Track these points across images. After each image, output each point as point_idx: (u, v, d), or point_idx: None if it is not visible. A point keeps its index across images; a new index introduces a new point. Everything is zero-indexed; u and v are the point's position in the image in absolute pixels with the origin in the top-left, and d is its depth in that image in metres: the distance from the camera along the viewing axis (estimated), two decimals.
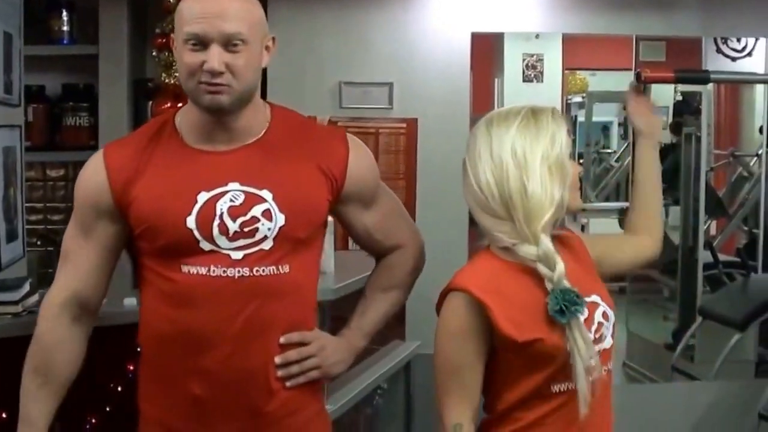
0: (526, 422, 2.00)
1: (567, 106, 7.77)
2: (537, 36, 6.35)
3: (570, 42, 6.67)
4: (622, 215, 6.69)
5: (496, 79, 6.87)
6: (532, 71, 6.91)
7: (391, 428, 4.23)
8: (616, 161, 7.64)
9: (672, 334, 5.80)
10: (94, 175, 2.07)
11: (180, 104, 4.24)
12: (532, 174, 1.96)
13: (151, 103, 4.31)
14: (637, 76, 2.43)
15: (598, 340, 2.02)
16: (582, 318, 1.94)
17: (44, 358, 2.07)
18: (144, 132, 2.12)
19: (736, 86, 6.15)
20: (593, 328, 2.02)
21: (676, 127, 6.11)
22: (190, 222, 1.99)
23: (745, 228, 6.36)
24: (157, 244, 2.03)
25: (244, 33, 1.97)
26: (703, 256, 5.61)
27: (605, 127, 8.20)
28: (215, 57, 1.94)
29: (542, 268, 1.94)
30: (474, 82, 7.62)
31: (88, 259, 2.09)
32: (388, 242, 2.31)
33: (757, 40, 5.19)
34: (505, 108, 2.08)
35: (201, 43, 1.95)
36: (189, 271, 2.01)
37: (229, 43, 1.95)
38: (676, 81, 2.61)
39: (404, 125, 4.45)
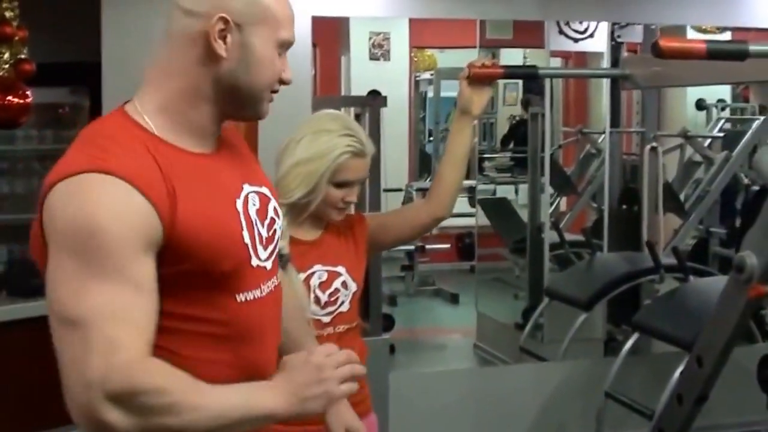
0: None
1: (416, 83, 7.78)
2: None
3: (417, 21, 6.64)
4: (472, 193, 6.73)
5: (342, 58, 6.80)
6: (379, 50, 6.89)
7: None
8: None
9: (522, 314, 5.83)
10: (129, 202, 1.51)
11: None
12: (287, 163, 2.40)
13: None
14: (467, 71, 2.56)
15: (332, 303, 2.48)
16: (296, 278, 2.37)
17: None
18: (129, 140, 1.61)
19: (584, 64, 6.20)
20: (329, 291, 2.48)
21: (525, 104, 6.14)
22: (246, 237, 1.67)
23: (594, 205, 6.45)
24: (217, 273, 1.62)
25: None
26: (552, 235, 5.64)
27: (456, 104, 8.23)
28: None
29: None
30: (320, 61, 7.55)
31: (147, 314, 1.51)
32: None
33: (598, 22, 5.23)
34: (338, 116, 2.58)
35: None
36: (245, 299, 1.67)
37: None
38: (505, 77, 2.67)
39: None
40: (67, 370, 1.42)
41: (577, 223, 6.53)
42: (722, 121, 6.64)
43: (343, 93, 6.84)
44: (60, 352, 1.43)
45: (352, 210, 2.59)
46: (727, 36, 5.84)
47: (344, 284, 2.52)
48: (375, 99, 5.47)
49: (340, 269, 2.52)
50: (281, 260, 2.22)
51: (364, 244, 2.60)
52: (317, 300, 2.46)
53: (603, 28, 5.25)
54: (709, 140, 6.39)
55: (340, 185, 2.42)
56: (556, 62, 6.21)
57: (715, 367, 2.85)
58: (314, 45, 7.65)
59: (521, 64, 6.27)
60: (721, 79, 2.85)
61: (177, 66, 1.64)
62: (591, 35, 5.22)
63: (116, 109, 1.66)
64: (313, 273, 2.47)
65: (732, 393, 3.18)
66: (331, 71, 6.86)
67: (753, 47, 2.08)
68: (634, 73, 2.95)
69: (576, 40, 5.16)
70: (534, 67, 2.78)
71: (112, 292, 1.45)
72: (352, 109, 6.02)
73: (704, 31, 5.75)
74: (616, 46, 5.29)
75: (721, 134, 6.38)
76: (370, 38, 6.79)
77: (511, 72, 2.67)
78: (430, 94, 7.75)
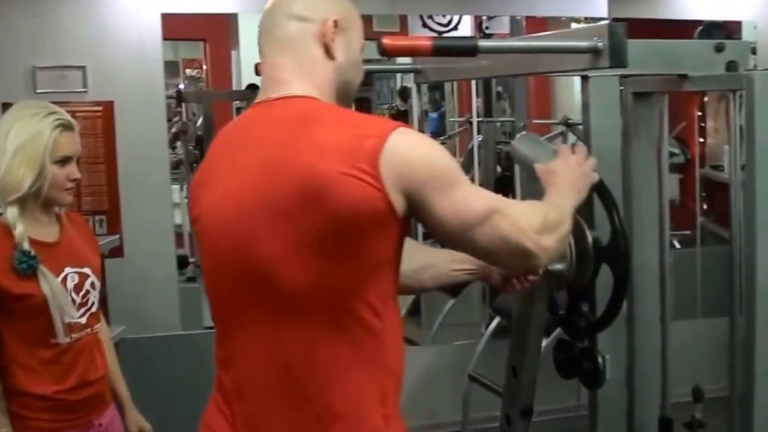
0: (31, 367, 2.49)
1: None
2: None
3: None
4: None
5: (233, 52, 6.82)
6: None
7: None
8: None
9: (412, 302, 5.92)
10: None
11: None
12: (4, 158, 2.43)
13: None
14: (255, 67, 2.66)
15: (84, 304, 2.57)
16: (54, 281, 2.46)
17: None
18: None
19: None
20: (82, 293, 2.56)
21: (403, 95, 6.21)
22: None
23: None
24: None
25: None
26: None
27: None
28: None
29: (15, 231, 2.43)
30: (210, 56, 7.57)
31: None
32: None
33: (461, 15, 5.31)
34: (35, 102, 2.60)
35: None
36: None
37: None
38: None
39: (100, 108, 4.39)
40: (511, 235, 1.81)
41: None
42: None
43: (234, 87, 6.87)
44: (496, 232, 1.79)
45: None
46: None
47: (92, 285, 2.61)
48: (254, 92, 5.52)
49: (87, 270, 2.61)
50: (18, 268, 2.43)
51: (95, 243, 2.77)
52: (73, 303, 2.53)
53: (467, 21, 5.34)
54: None
55: (61, 162, 2.49)
56: None
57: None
58: (203, 40, 7.71)
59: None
60: (496, 72, 2.96)
61: (308, 64, 1.86)
62: (455, 27, 5.29)
63: (308, 98, 1.84)
64: (66, 276, 2.54)
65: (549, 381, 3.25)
66: (222, 66, 6.88)
67: (482, 43, 2.16)
68: (425, 68, 3.06)
69: (440, 33, 5.23)
70: None
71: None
72: (236, 103, 6.10)
73: (577, 21, 5.87)
74: (485, 37, 5.38)
75: None
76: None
77: None
78: None
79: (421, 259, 2.24)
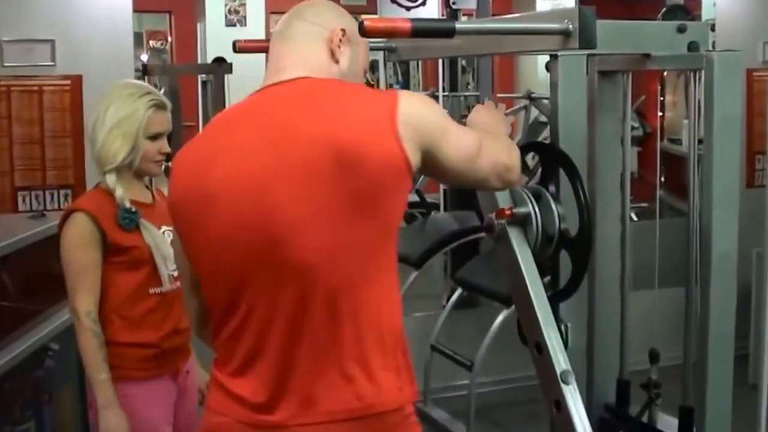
0: (130, 317, 2.74)
1: None
2: None
3: None
4: None
5: (198, 24, 6.84)
6: (235, 15, 6.90)
7: (66, 388, 4.22)
8: None
9: None
10: None
11: None
12: (102, 132, 2.71)
13: None
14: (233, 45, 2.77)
15: None
16: (157, 232, 2.74)
17: None
18: None
19: None
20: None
21: (369, 67, 6.28)
22: None
23: None
24: None
25: None
26: None
27: None
28: None
29: (115, 194, 2.72)
30: (176, 28, 7.61)
31: None
32: None
33: None
34: (133, 82, 2.89)
35: None
36: None
37: None
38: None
39: (68, 82, 4.41)
40: (497, 156, 2.09)
41: (433, 184, 6.72)
42: None
43: (199, 60, 6.89)
44: (489, 158, 2.06)
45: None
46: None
47: None
48: (220, 66, 5.56)
49: None
50: (122, 223, 2.72)
51: None
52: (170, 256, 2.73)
53: None
54: None
55: (153, 138, 2.75)
56: None
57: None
58: (169, 12, 7.74)
59: None
60: (468, 51, 3.02)
61: (311, 58, 2.00)
62: (423, 3, 5.36)
63: (310, 78, 1.97)
64: (163, 232, 2.78)
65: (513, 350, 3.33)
66: (187, 38, 6.91)
67: (459, 25, 2.21)
68: (398, 46, 3.12)
69: (408, 8, 5.30)
70: None
71: None
72: (202, 77, 6.13)
73: None
74: (452, 13, 5.45)
75: None
76: (225, 4, 6.81)
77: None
78: None
79: None
